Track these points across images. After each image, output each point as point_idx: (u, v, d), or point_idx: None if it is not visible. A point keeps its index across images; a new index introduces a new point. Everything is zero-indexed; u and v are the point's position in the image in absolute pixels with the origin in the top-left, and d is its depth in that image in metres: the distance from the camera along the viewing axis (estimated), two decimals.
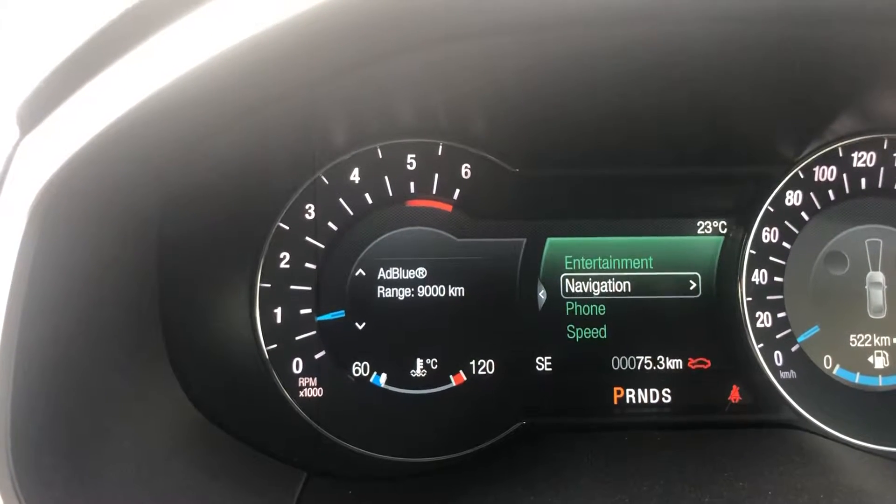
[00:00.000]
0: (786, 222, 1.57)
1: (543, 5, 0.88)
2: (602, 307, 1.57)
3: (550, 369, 1.55)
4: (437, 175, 1.55)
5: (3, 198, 0.89)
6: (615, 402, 1.55)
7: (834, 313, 1.57)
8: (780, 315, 1.56)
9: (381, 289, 1.55)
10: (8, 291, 0.86)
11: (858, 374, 1.55)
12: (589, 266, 1.57)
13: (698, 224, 1.58)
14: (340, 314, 1.54)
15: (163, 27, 0.86)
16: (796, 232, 1.57)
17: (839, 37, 1.08)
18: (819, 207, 1.57)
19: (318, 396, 1.53)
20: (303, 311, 1.53)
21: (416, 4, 0.85)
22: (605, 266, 1.57)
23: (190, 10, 0.85)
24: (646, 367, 1.56)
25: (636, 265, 1.57)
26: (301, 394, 1.52)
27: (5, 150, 0.90)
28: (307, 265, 1.53)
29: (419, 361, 1.55)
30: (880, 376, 1.55)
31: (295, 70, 0.97)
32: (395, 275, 1.55)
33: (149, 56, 0.86)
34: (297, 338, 1.52)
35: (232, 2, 0.83)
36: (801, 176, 1.57)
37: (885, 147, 1.56)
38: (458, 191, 1.56)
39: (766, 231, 1.57)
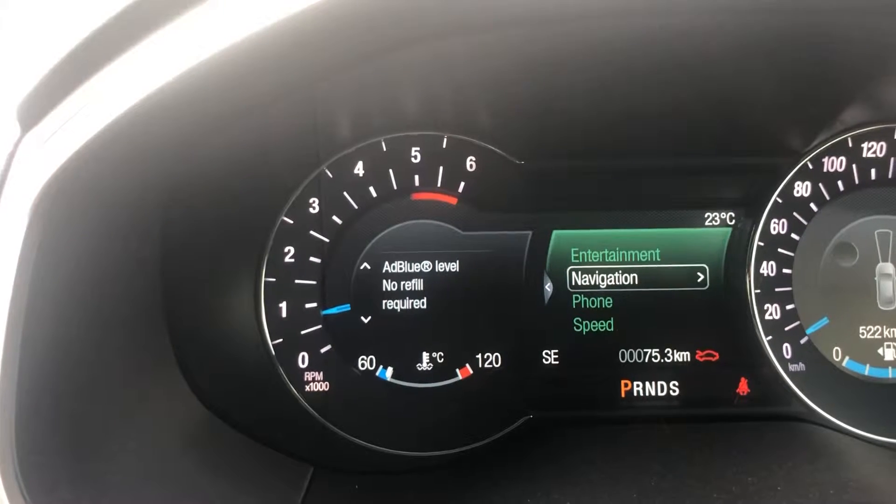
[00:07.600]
0: (794, 213, 1.56)
1: None
2: (609, 300, 1.56)
3: (557, 362, 1.55)
4: (441, 168, 1.54)
5: (4, 196, 0.88)
6: (622, 396, 1.55)
7: (843, 305, 1.55)
8: (789, 307, 1.55)
9: (386, 282, 1.54)
10: (10, 291, 0.86)
11: (868, 366, 1.54)
12: (595, 259, 1.56)
13: (706, 216, 1.57)
14: (346, 308, 1.54)
15: (164, 24, 0.85)
16: (805, 223, 1.56)
17: (848, 27, 1.07)
18: (828, 198, 1.56)
19: (324, 390, 1.52)
20: (308, 306, 1.52)
21: None
22: (612, 258, 1.56)
23: (191, 6, 0.84)
24: (653, 359, 1.55)
25: (643, 257, 1.56)
26: (307, 388, 1.52)
27: (6, 148, 0.90)
28: (312, 259, 1.53)
29: (425, 355, 1.54)
30: (890, 368, 1.54)
31: (298, 64, 0.97)
32: (401, 268, 1.55)
33: (150, 52, 0.86)
34: (303, 332, 1.52)
35: None
36: (810, 167, 1.56)
37: (894, 137, 1.55)
38: (462, 183, 1.55)
39: (774, 222, 1.56)
